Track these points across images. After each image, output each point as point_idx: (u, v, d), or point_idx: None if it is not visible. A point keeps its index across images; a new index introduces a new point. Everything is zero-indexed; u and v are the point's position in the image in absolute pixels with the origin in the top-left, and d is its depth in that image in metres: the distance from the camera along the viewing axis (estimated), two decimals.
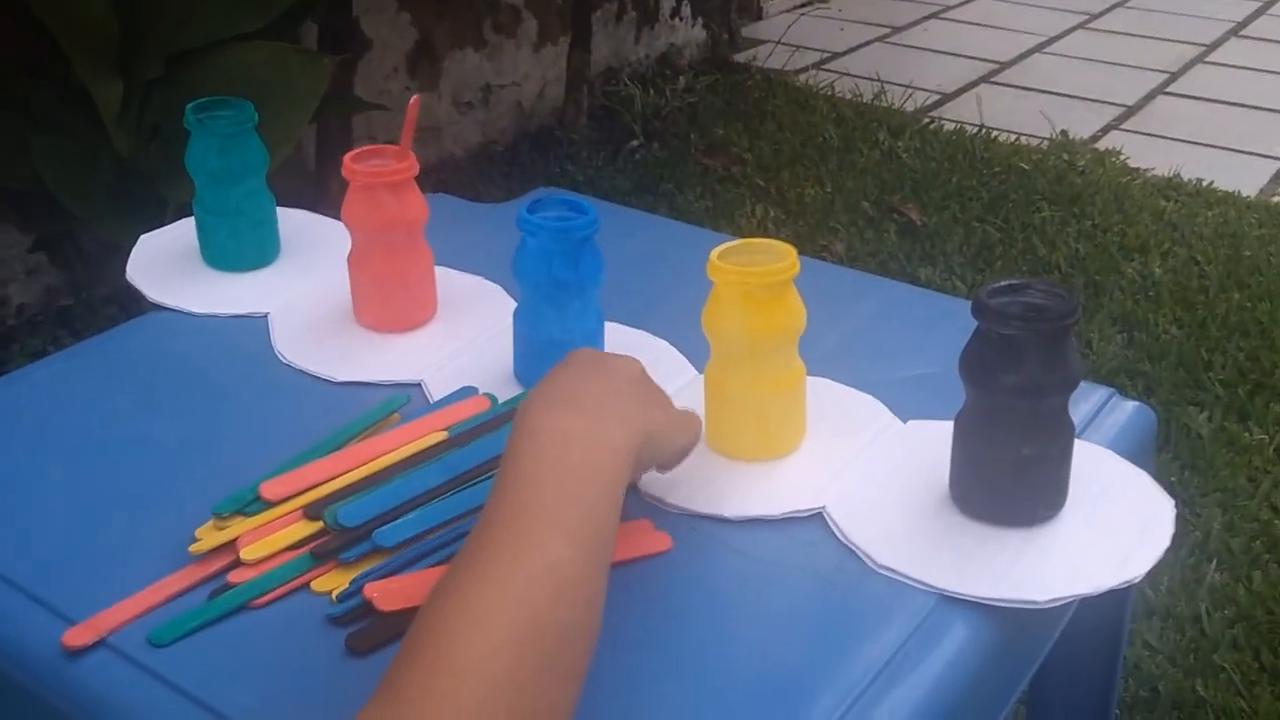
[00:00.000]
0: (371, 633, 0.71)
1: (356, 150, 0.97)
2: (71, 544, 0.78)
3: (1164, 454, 1.91)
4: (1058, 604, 0.72)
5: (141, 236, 1.13)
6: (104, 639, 0.71)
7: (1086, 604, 0.75)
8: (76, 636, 0.70)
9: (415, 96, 0.96)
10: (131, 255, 1.10)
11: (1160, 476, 1.83)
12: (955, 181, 2.83)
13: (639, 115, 3.19)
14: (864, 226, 2.65)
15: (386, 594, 0.72)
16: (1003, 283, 0.75)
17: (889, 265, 2.49)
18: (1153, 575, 1.66)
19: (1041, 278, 0.91)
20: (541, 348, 0.92)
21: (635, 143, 3.08)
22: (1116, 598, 0.91)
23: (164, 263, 1.10)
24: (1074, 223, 2.66)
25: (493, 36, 3.10)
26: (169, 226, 1.14)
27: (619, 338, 0.98)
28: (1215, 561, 1.69)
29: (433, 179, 2.81)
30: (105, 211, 1.86)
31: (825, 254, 2.54)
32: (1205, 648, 1.55)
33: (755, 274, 0.81)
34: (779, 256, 0.82)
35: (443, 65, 2.97)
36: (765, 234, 2.59)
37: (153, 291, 1.05)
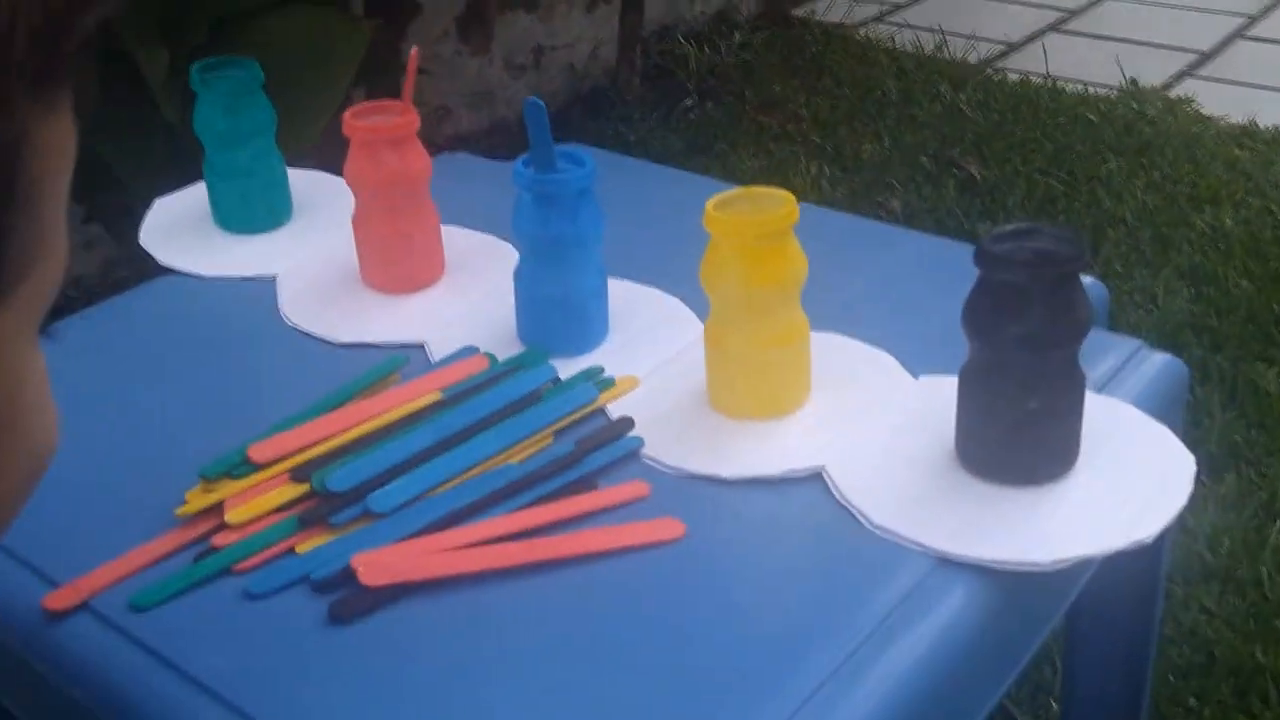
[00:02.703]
0: (355, 601, 0.69)
1: (358, 106, 0.95)
2: (59, 506, 0.77)
3: (1230, 412, 1.83)
4: (1062, 566, 0.68)
5: (157, 201, 1.13)
6: (85, 602, 0.70)
7: (1113, 563, 0.71)
8: (58, 599, 0.70)
9: (415, 47, 0.94)
10: (146, 219, 1.10)
11: (1225, 435, 1.77)
12: (1018, 134, 2.74)
13: (693, 74, 3.14)
14: (922, 182, 2.58)
15: (372, 567, 0.70)
16: (1009, 227, 0.71)
17: (946, 221, 2.43)
18: (1211, 538, 1.62)
19: (1050, 223, 0.86)
20: (543, 306, 0.90)
21: (689, 102, 3.04)
22: (1149, 554, 0.87)
23: (177, 226, 1.09)
24: (1142, 174, 2.56)
25: None
26: (185, 191, 1.14)
27: (625, 294, 0.95)
28: None
29: (484, 143, 2.79)
30: (159, 181, 1.88)
31: (881, 211, 2.48)
32: (1266, 612, 1.49)
33: (751, 223, 0.78)
34: (778, 204, 0.79)
35: (494, 28, 2.95)
36: (820, 192, 2.54)
37: (163, 255, 1.05)
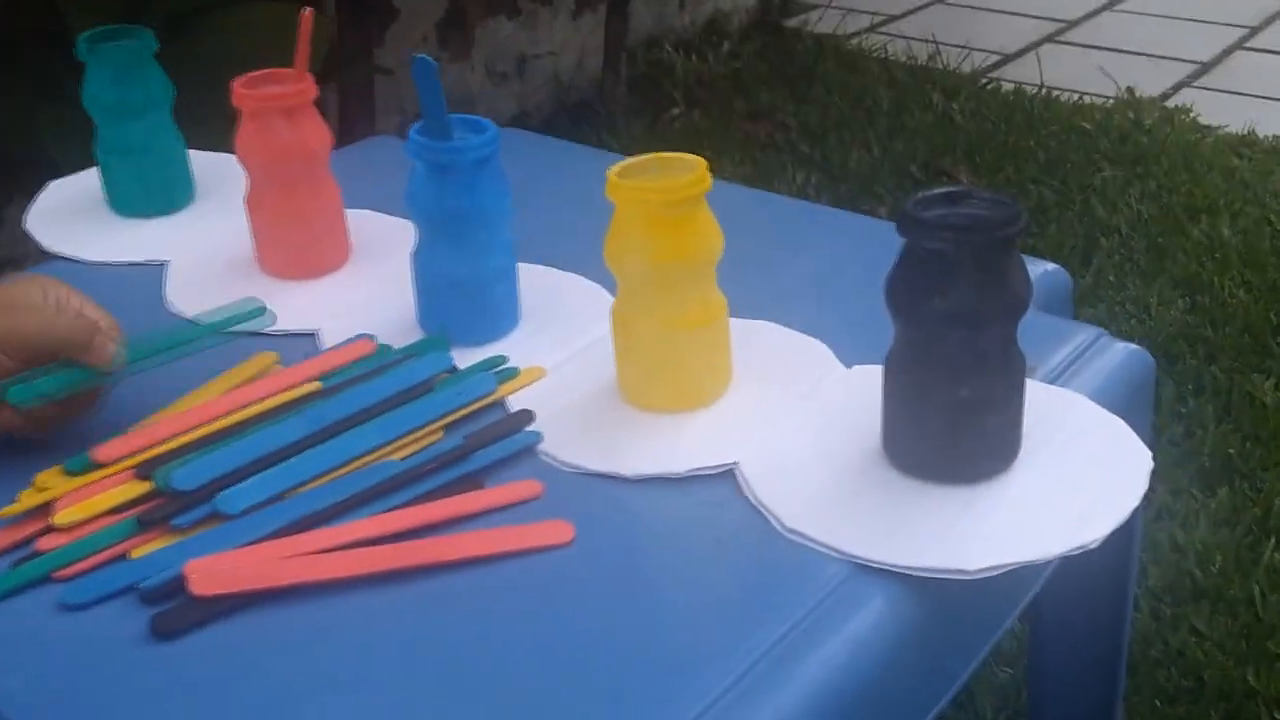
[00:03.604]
0: (183, 613, 0.61)
1: (249, 75, 0.87)
2: None
3: (1224, 424, 1.74)
4: (993, 574, 0.59)
5: (51, 183, 1.05)
6: None
7: (1074, 568, 0.62)
8: None
9: (308, 10, 0.86)
10: (34, 203, 1.02)
11: (1219, 449, 1.67)
12: (1010, 143, 2.66)
13: (680, 83, 3.07)
14: (910, 190, 2.50)
15: (205, 575, 0.62)
16: (936, 190, 0.63)
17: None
18: (1203, 555, 1.53)
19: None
20: (442, 289, 0.81)
21: (675, 111, 2.97)
22: (1114, 559, 0.78)
23: (68, 210, 1.01)
24: (1137, 183, 2.48)
25: (527, 4, 3.00)
26: (79, 174, 1.06)
27: (543, 280, 0.87)
28: (1275, 540, 1.52)
29: None
30: None
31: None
32: (1259, 634, 1.40)
33: (655, 190, 0.69)
34: (688, 170, 0.70)
35: (475, 34, 2.88)
36: (805, 200, 2.46)
37: (48, 239, 0.97)
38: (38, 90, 1.85)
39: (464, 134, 0.79)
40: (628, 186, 0.69)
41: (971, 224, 0.60)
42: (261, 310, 0.82)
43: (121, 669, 0.58)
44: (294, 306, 0.87)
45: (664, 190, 0.69)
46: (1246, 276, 2.12)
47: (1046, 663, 0.95)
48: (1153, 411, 0.82)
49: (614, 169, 0.71)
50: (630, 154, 0.73)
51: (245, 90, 0.86)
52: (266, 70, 0.88)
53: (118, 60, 0.94)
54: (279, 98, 0.86)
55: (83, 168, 1.69)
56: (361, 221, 0.95)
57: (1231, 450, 1.68)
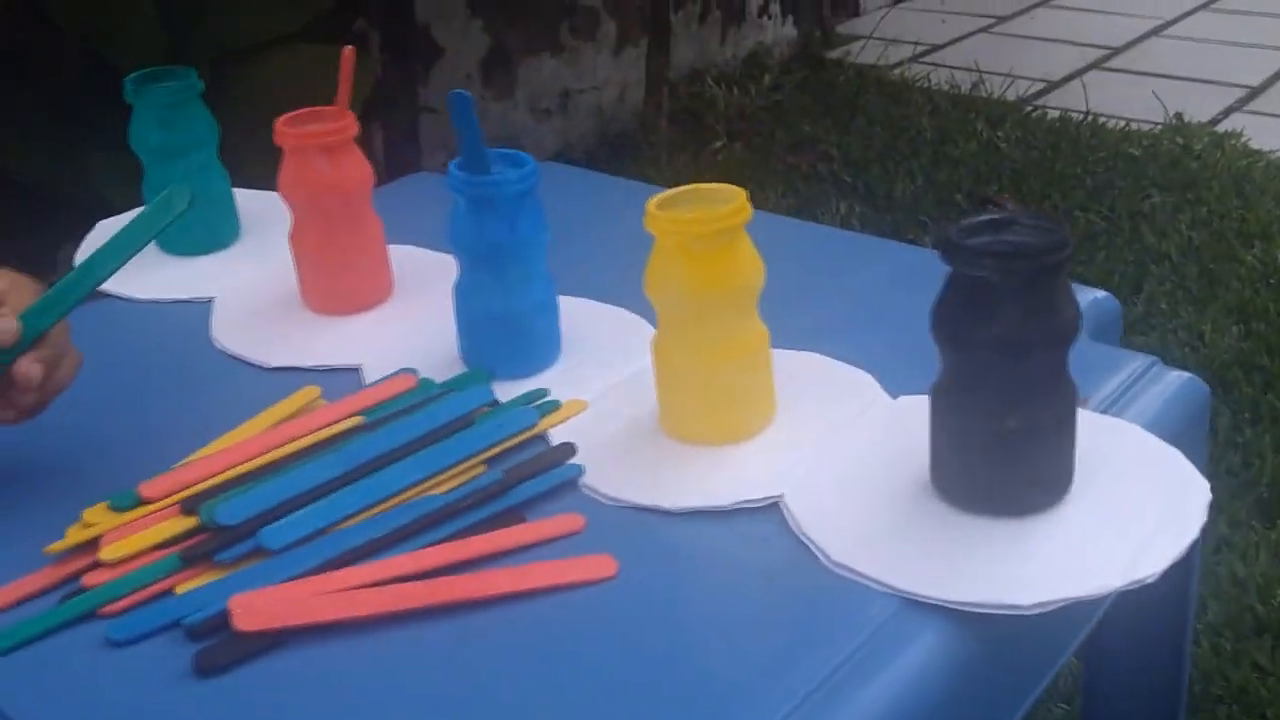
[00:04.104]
0: (226, 649, 0.60)
1: (292, 113, 0.88)
2: None
3: None
4: (1047, 610, 0.58)
5: (99, 223, 1.06)
6: None
7: (1130, 603, 0.61)
8: None
9: (349, 47, 0.87)
10: (85, 240, 1.03)
11: (1278, 477, 1.64)
12: (1057, 170, 2.64)
13: (722, 116, 3.08)
14: (955, 219, 2.48)
15: (249, 610, 0.62)
16: (982, 217, 0.62)
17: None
18: (1264, 589, 1.49)
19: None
20: (483, 323, 0.81)
21: (718, 144, 2.97)
22: (1173, 594, 0.75)
23: None
24: (1188, 210, 2.45)
25: (570, 41, 3.02)
26: (131, 212, 1.06)
27: (584, 313, 0.87)
28: None
29: None
30: None
31: None
32: None
33: (694, 221, 0.69)
34: (727, 200, 0.70)
35: (518, 72, 2.90)
36: (849, 230, 2.45)
37: None
38: (88, 134, 1.89)
39: (503, 168, 0.79)
40: (666, 218, 0.69)
41: (1016, 251, 0.59)
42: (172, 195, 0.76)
43: (166, 705, 0.58)
44: (337, 341, 0.88)
45: (702, 221, 0.69)
46: None
47: (1103, 699, 0.93)
48: (1208, 441, 0.80)
49: (653, 200, 0.70)
50: (672, 187, 0.73)
51: (287, 128, 0.87)
52: (310, 108, 0.88)
53: (164, 101, 0.96)
54: (320, 135, 0.86)
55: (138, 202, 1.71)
56: (404, 257, 0.95)
57: None
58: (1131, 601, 0.65)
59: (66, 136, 1.87)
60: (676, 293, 0.70)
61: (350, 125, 0.87)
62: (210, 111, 0.98)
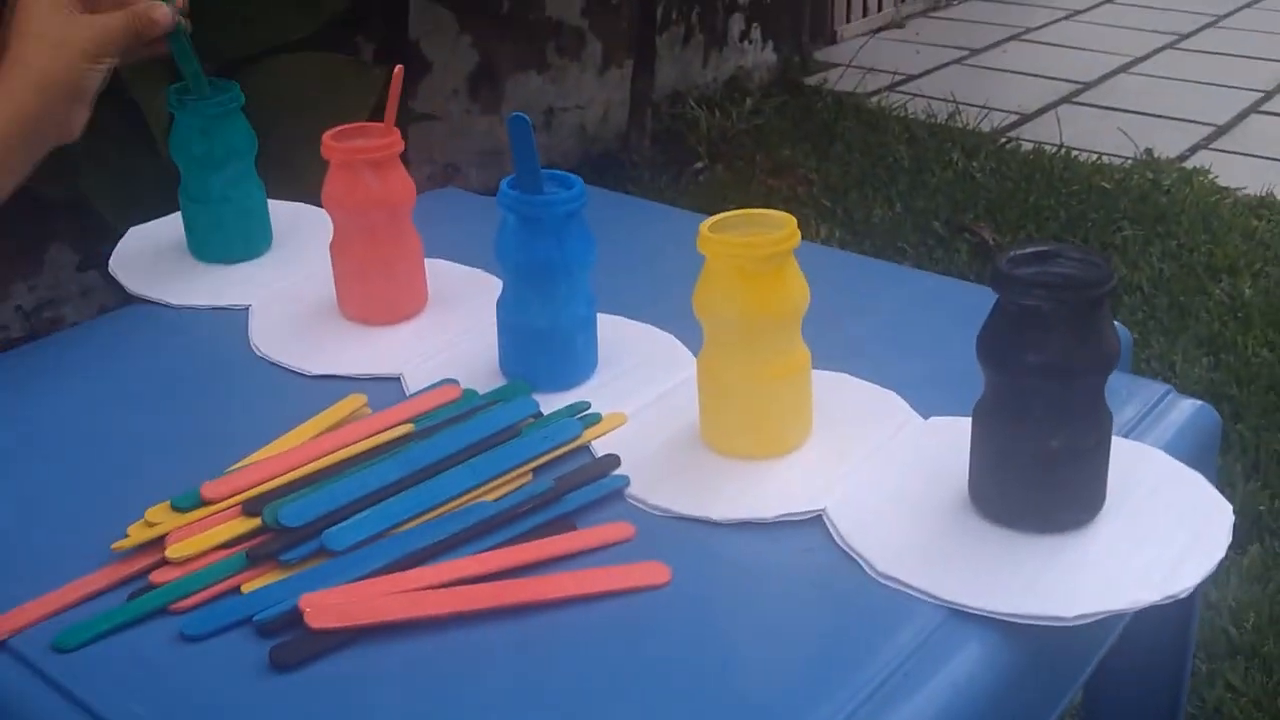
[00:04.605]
0: (299, 646, 0.63)
1: (340, 128, 0.90)
2: None
3: (1253, 482, 1.76)
4: (1088, 621, 0.61)
5: (131, 229, 1.07)
6: (3, 641, 0.63)
7: (1141, 620, 0.64)
8: None
9: (399, 66, 0.89)
10: (117, 247, 1.04)
11: (1248, 506, 1.69)
12: (1031, 201, 2.71)
13: (704, 137, 3.12)
14: (934, 246, 2.54)
15: (320, 609, 0.64)
16: (1028, 249, 0.65)
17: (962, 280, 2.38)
18: (1237, 612, 1.54)
19: (1075, 244, 0.80)
20: (526, 337, 0.84)
21: (699, 165, 3.01)
22: (1179, 613, 0.79)
23: (150, 254, 1.04)
24: (1158, 243, 2.52)
25: (556, 59, 3.06)
26: (161, 219, 1.08)
27: (617, 329, 0.90)
28: None
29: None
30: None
31: None
32: None
33: (748, 245, 0.72)
34: (777, 226, 0.73)
35: (505, 87, 2.93)
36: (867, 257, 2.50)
37: (132, 283, 0.99)
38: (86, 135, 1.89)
39: (552, 188, 0.82)
40: (721, 241, 0.72)
41: (1065, 282, 0.63)
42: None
43: (242, 698, 0.60)
44: (377, 351, 0.90)
45: (756, 245, 0.72)
46: (1270, 336, 2.15)
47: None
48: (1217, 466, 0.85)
49: (706, 224, 0.73)
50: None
51: (335, 142, 0.89)
52: (359, 124, 0.91)
53: (206, 113, 0.97)
54: (367, 150, 0.89)
55: (125, 207, 1.72)
56: (436, 270, 0.98)
57: (1261, 508, 1.70)
58: (1138, 623, 0.69)
59: None
60: (728, 313, 0.73)
61: (396, 142, 0.89)
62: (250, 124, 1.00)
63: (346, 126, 0.91)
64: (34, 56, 0.83)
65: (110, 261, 1.02)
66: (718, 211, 0.75)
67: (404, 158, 0.90)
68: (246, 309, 0.96)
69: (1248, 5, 4.32)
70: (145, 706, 0.60)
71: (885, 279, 1.02)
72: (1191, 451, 0.78)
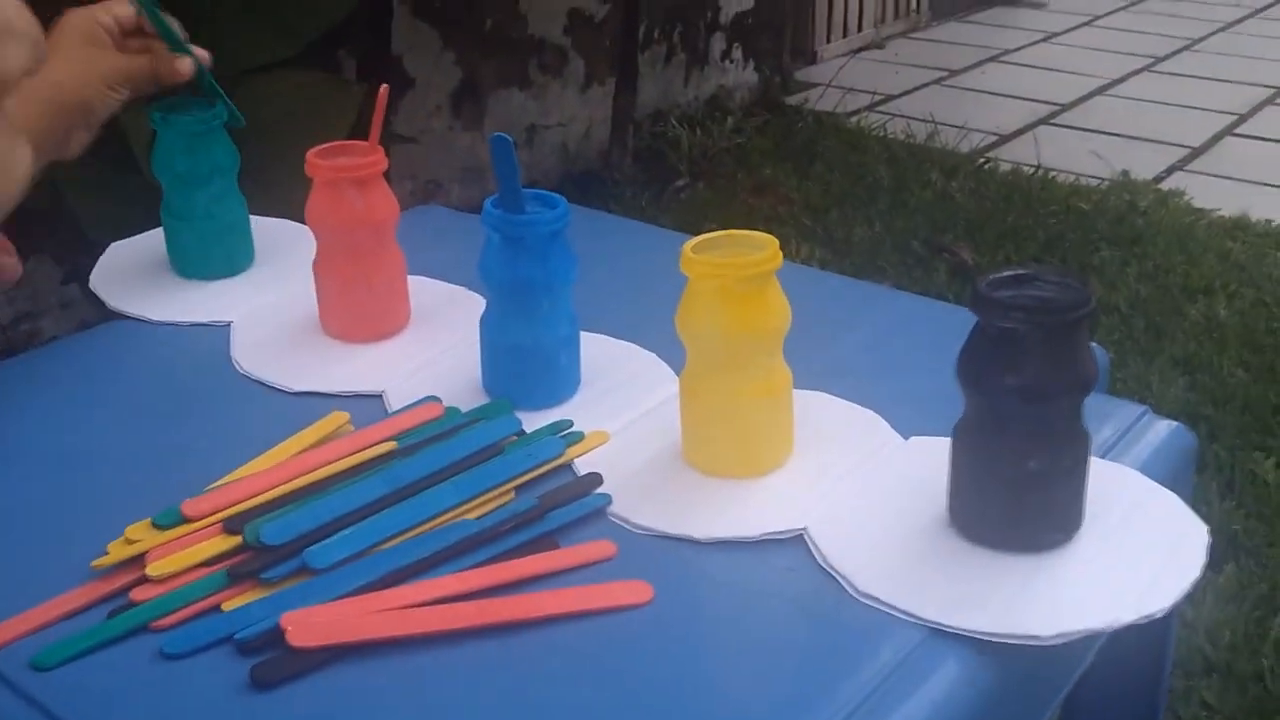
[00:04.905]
0: (280, 664, 0.63)
1: (324, 146, 0.91)
2: None
3: (1228, 501, 1.78)
4: (1066, 640, 0.62)
5: (112, 245, 1.07)
6: None
7: (1118, 641, 0.65)
8: None
9: (384, 86, 0.90)
10: (98, 263, 1.04)
11: (1224, 525, 1.70)
12: (1010, 221, 2.73)
13: (685, 156, 3.14)
14: (913, 265, 2.55)
15: (302, 627, 0.64)
16: (1007, 272, 0.66)
17: (942, 301, 2.40)
18: (1212, 630, 1.55)
19: (1054, 266, 0.81)
20: (508, 355, 0.84)
21: (681, 182, 3.02)
22: (1156, 632, 0.80)
23: (131, 271, 1.04)
24: (1134, 264, 2.54)
25: (538, 77, 3.07)
26: (143, 235, 1.08)
27: (599, 348, 0.90)
28: None
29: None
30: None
31: None
32: (1269, 708, 1.42)
33: (731, 266, 0.72)
34: (759, 247, 0.74)
35: (487, 104, 2.94)
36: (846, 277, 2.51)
37: (113, 299, 0.99)
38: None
39: (535, 208, 0.82)
40: (704, 261, 0.73)
41: (1043, 305, 0.64)
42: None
43: (223, 717, 0.60)
44: (359, 368, 0.90)
45: (739, 266, 0.72)
46: (1245, 357, 2.17)
47: None
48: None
49: (689, 245, 0.74)
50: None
51: (319, 160, 0.89)
52: (343, 142, 0.91)
53: (190, 130, 0.97)
54: (352, 169, 0.89)
55: (111, 225, 1.71)
56: (419, 287, 0.98)
57: (1236, 527, 1.72)
58: (1112, 647, 0.70)
59: None
60: (710, 333, 0.74)
61: (380, 160, 0.90)
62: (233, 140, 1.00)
63: (331, 144, 0.91)
64: (57, 73, 0.84)
65: (91, 277, 1.02)
66: (699, 229, 0.76)
67: (385, 174, 0.91)
68: (228, 325, 0.96)
69: (1222, 29, 4.37)
70: None
71: (867, 300, 1.03)
72: (1167, 472, 0.79)
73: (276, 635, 0.64)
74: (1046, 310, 0.63)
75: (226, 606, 0.67)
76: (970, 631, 0.63)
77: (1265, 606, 1.58)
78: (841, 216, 2.79)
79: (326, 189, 0.90)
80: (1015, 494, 0.66)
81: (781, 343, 0.75)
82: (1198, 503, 1.83)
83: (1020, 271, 0.66)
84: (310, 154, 0.89)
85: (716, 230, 0.75)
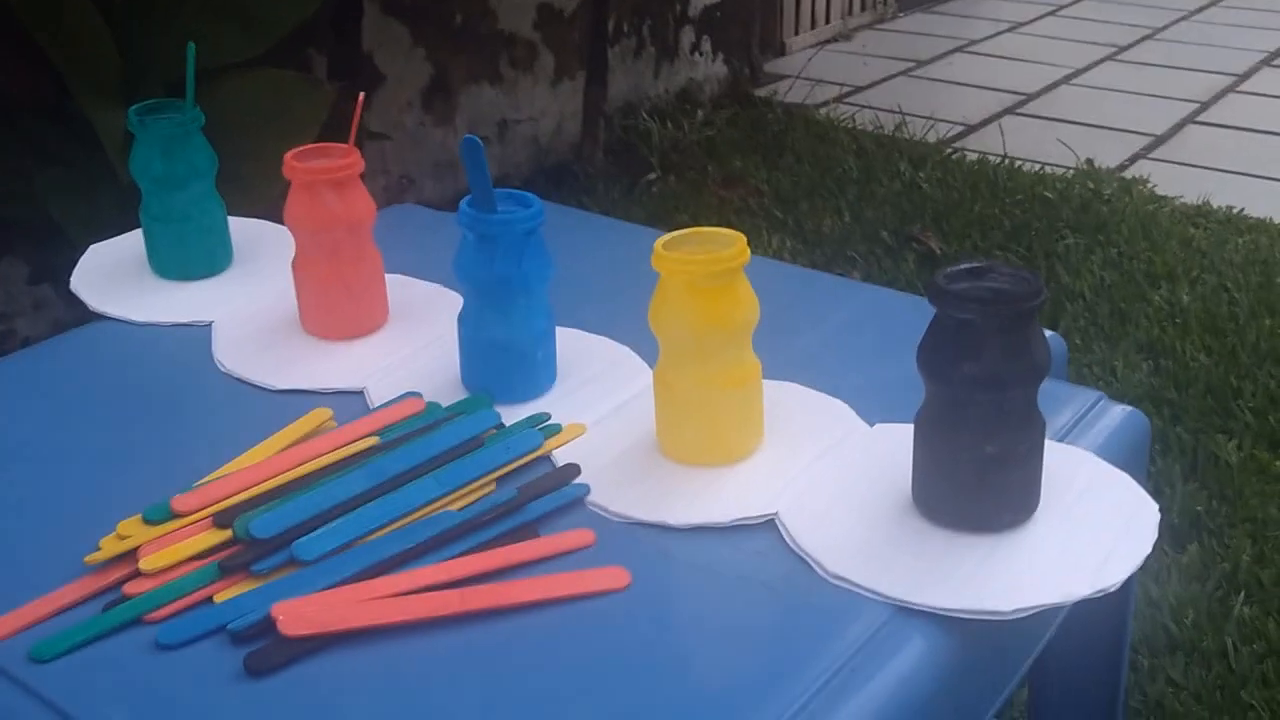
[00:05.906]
0: (272, 652, 0.65)
1: (301, 148, 0.93)
2: None
3: (1191, 483, 1.82)
4: (1025, 614, 0.65)
5: (91, 246, 1.09)
6: None
7: (1077, 616, 0.68)
8: None
9: (360, 93, 0.92)
10: (79, 264, 1.06)
11: (1187, 507, 1.75)
12: (977, 210, 2.76)
13: (656, 149, 3.16)
14: (882, 255, 2.59)
15: (293, 617, 0.66)
16: (963, 266, 0.69)
17: (906, 293, 2.43)
18: (1176, 609, 1.59)
19: (1007, 261, 0.84)
20: (486, 351, 0.87)
21: (652, 175, 3.05)
22: (1114, 607, 0.84)
23: (111, 272, 1.05)
24: (1099, 251, 2.58)
25: (509, 71, 3.08)
26: (121, 237, 1.10)
27: (574, 342, 0.92)
28: (1244, 594, 1.59)
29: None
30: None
31: None
32: (1233, 684, 1.46)
33: (700, 262, 0.75)
34: (728, 244, 0.76)
35: (458, 100, 2.95)
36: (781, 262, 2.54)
37: (94, 300, 1.01)
38: (36, 152, 1.90)
39: (510, 207, 0.84)
40: (674, 258, 0.75)
41: (998, 296, 0.66)
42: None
43: (218, 704, 0.62)
44: (340, 365, 0.92)
45: (708, 262, 0.75)
46: (1206, 341, 2.21)
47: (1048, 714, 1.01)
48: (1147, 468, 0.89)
49: (660, 241, 0.77)
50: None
51: (297, 163, 0.91)
52: (319, 145, 0.93)
53: (167, 133, 0.99)
54: (329, 170, 0.91)
55: (88, 226, 1.72)
56: (396, 284, 1.00)
57: (1199, 508, 1.76)
58: (1076, 620, 0.73)
59: (13, 154, 1.88)
60: (681, 327, 0.76)
61: (357, 162, 0.92)
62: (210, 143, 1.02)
63: (307, 147, 0.93)
64: None
65: (72, 279, 1.04)
66: (671, 222, 0.79)
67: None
68: (209, 325, 0.98)
69: (1184, 18, 4.43)
70: (124, 713, 0.62)
71: (833, 292, 1.06)
72: (1122, 454, 0.82)
73: (268, 625, 0.66)
74: (999, 301, 0.66)
75: (219, 598, 0.69)
76: (934, 608, 0.66)
77: (1228, 585, 1.62)
78: (811, 208, 2.82)
79: (304, 191, 0.92)
80: (975, 477, 0.69)
81: (750, 335, 0.78)
82: (1161, 485, 1.87)
83: (976, 265, 0.69)
84: (288, 156, 0.91)
85: (688, 222, 0.78)
